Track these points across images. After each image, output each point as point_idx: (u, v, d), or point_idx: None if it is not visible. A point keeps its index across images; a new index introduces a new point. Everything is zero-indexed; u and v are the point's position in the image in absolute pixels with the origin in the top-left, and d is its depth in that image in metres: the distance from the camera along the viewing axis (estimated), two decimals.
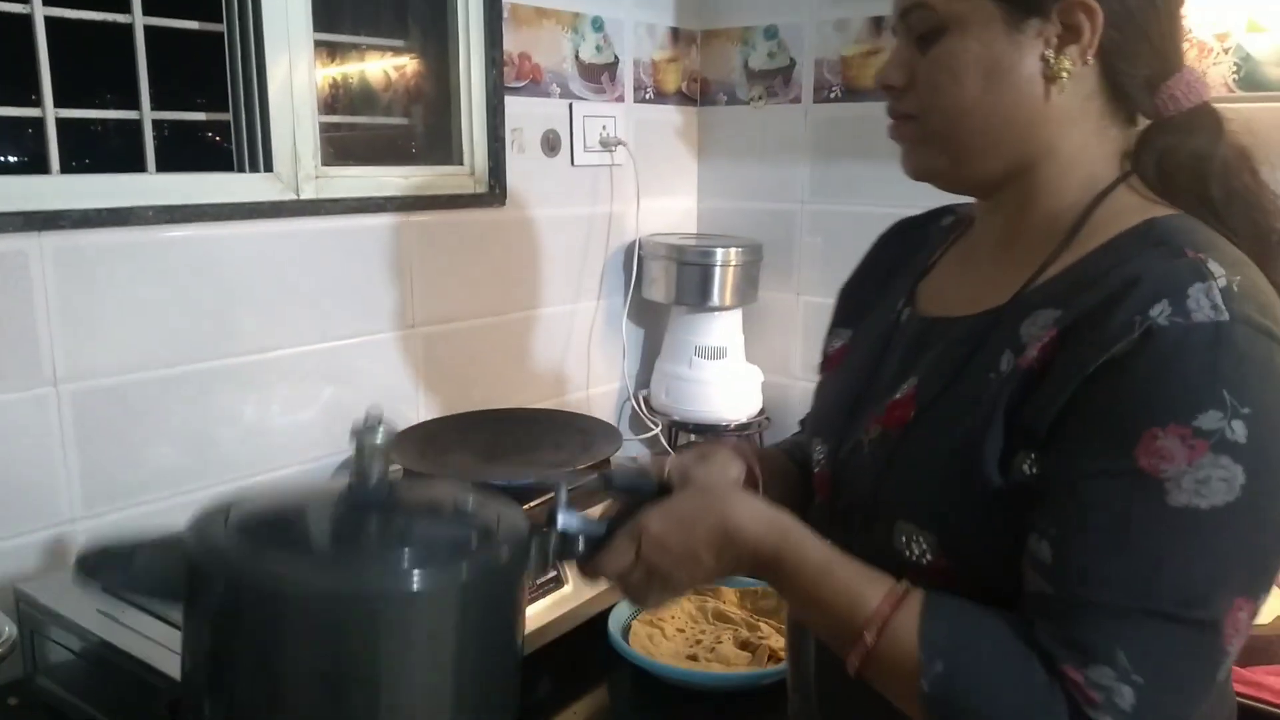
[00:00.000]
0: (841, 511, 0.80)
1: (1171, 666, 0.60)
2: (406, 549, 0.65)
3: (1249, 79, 1.41)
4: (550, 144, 1.72)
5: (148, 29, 1.27)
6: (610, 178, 1.84)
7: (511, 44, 1.62)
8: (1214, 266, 0.63)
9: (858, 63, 1.80)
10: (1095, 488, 0.62)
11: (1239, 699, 1.09)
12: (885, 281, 0.93)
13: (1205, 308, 0.61)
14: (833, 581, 0.69)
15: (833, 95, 1.84)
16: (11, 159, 1.54)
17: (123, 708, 0.91)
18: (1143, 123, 0.74)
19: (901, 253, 0.94)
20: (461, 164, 1.62)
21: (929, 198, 1.84)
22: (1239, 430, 0.59)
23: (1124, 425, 0.61)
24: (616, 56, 1.82)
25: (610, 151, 1.82)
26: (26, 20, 1.17)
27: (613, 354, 1.91)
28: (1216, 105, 0.72)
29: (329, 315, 1.43)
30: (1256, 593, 0.62)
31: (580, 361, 1.85)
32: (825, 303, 1.89)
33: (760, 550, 0.70)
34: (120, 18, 1.25)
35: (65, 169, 1.20)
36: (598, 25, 1.78)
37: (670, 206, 2.00)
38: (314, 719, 0.63)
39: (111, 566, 0.66)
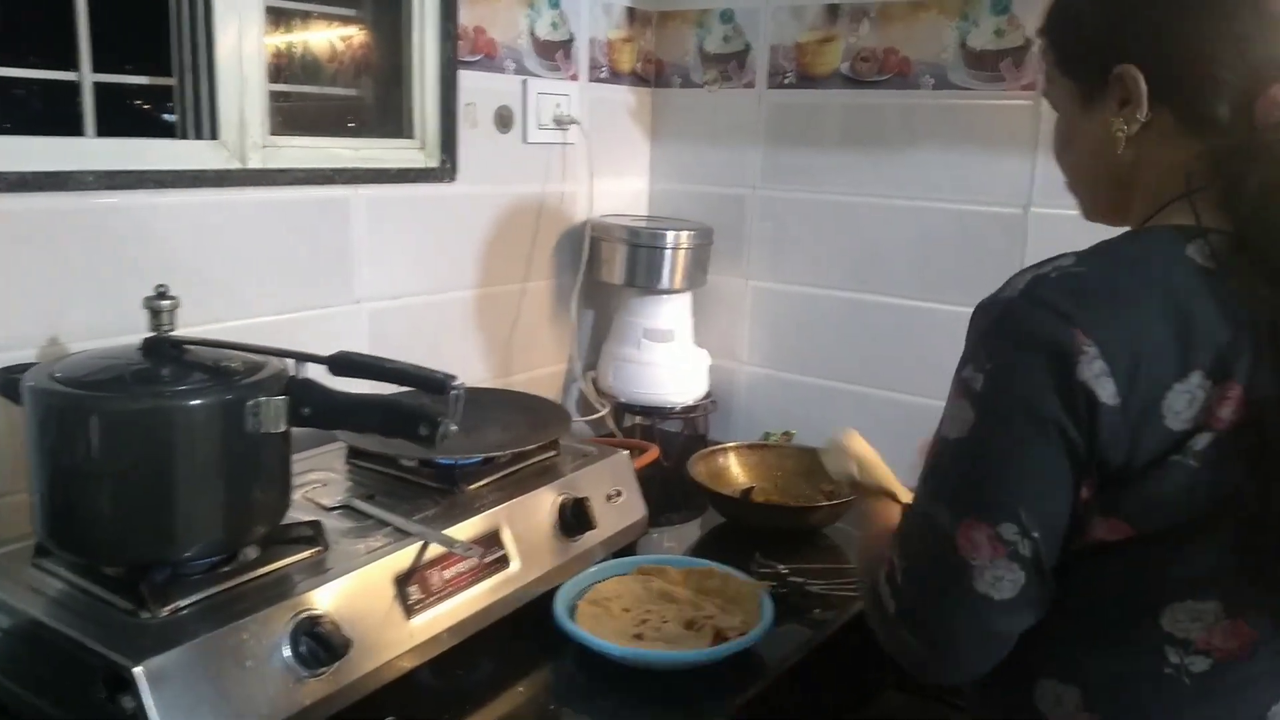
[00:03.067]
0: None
1: (917, 556, 0.77)
2: (182, 385, 0.94)
3: None
4: (503, 120, 1.70)
5: None
6: (563, 156, 1.83)
7: (466, 18, 1.60)
8: (1066, 261, 0.74)
9: (812, 49, 1.81)
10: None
11: None
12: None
13: (1014, 288, 0.74)
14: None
15: (787, 81, 1.84)
16: None
17: (57, 689, 0.89)
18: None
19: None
20: (412, 137, 1.59)
21: (879, 187, 1.86)
22: (980, 382, 0.73)
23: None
24: (572, 34, 1.81)
25: (564, 130, 1.80)
26: None
27: (562, 334, 1.90)
28: None
29: (273, 288, 1.41)
30: (992, 518, 0.72)
31: (529, 341, 1.84)
32: (774, 288, 1.92)
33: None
34: None
35: None
36: (554, 2, 1.76)
37: (622, 187, 1.99)
38: (127, 506, 0.93)
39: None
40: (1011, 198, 1.63)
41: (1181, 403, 0.68)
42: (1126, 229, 0.82)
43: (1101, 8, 0.81)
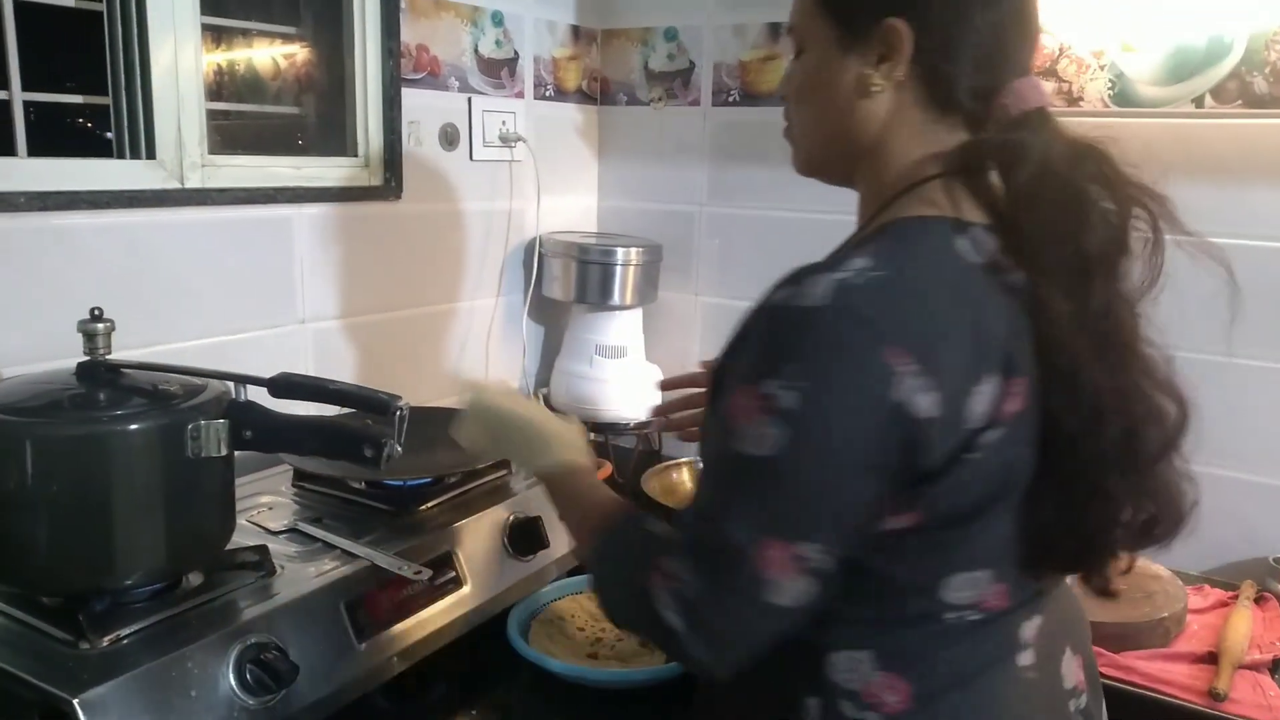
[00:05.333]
0: None
1: (710, 571, 0.71)
2: (118, 410, 0.92)
3: (1122, 96, 1.49)
4: (448, 138, 1.70)
5: (18, 4, 1.19)
6: (510, 174, 1.83)
7: (409, 35, 1.59)
8: (860, 262, 0.69)
9: (755, 68, 1.83)
10: (710, 427, 0.76)
11: (1111, 682, 1.15)
12: None
13: (814, 295, 0.68)
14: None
15: (731, 99, 1.86)
16: None
17: None
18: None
19: None
20: (356, 155, 1.58)
21: (824, 203, 1.88)
22: (789, 400, 0.67)
23: (729, 381, 0.72)
24: (517, 52, 1.81)
25: (510, 147, 1.80)
26: None
27: (512, 352, 1.89)
28: (1054, 112, 0.77)
29: (214, 310, 1.38)
30: (792, 537, 0.69)
31: (479, 359, 1.83)
32: (723, 303, 1.93)
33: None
34: None
35: None
36: (498, 20, 1.76)
37: (570, 204, 1.99)
38: (64, 535, 0.90)
39: None
40: None
41: (979, 403, 0.68)
42: (867, 212, 0.82)
43: None
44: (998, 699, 0.76)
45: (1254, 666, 1.18)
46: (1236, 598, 1.34)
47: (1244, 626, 1.24)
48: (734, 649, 0.73)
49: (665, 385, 1.20)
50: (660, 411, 1.20)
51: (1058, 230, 0.71)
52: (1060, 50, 1.53)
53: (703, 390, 1.13)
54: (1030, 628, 0.78)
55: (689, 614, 0.72)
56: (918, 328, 0.67)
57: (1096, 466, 0.72)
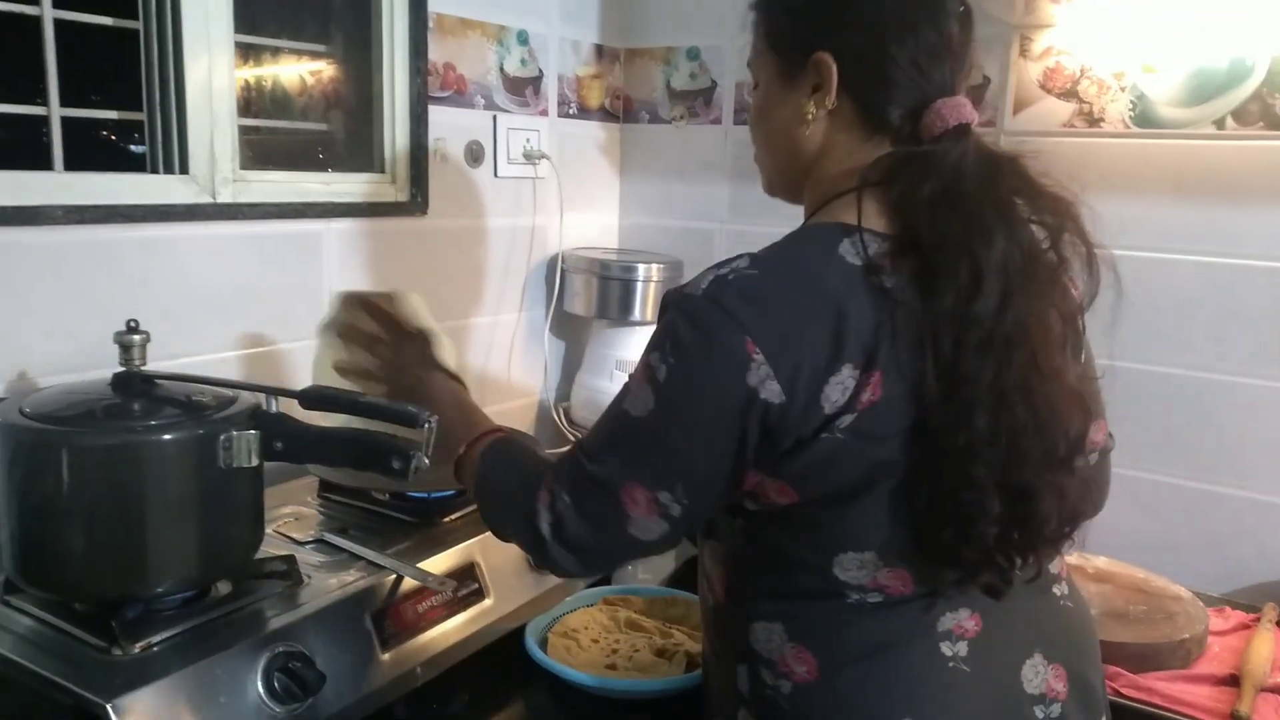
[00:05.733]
0: None
1: (583, 498, 0.83)
2: (152, 420, 0.94)
3: (1143, 117, 1.50)
4: (474, 155, 1.72)
5: (57, 23, 1.22)
6: (533, 191, 1.85)
7: (436, 54, 1.62)
8: (742, 263, 0.80)
9: None
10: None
11: (1131, 702, 1.15)
12: None
13: (698, 285, 0.79)
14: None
15: None
16: None
17: None
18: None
19: None
20: (383, 172, 1.60)
21: None
22: (663, 373, 0.78)
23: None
24: (541, 71, 1.83)
25: (534, 165, 1.82)
26: None
27: (534, 366, 1.91)
28: (975, 128, 0.83)
29: (243, 323, 1.40)
30: (653, 486, 0.80)
31: (501, 373, 1.85)
32: None
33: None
34: (28, 9, 1.20)
35: None
36: (523, 39, 1.78)
37: (592, 221, 2.01)
38: (98, 543, 0.93)
39: None
40: None
41: (836, 392, 0.75)
42: (800, 222, 0.90)
43: None
44: (906, 678, 0.80)
45: (1276, 689, 1.18)
46: (1259, 620, 1.34)
47: (1266, 649, 1.24)
48: (590, 563, 0.89)
49: None
50: None
51: (953, 237, 0.76)
52: (1081, 71, 1.54)
53: None
54: (953, 620, 0.81)
55: (557, 527, 0.84)
56: (773, 324, 0.76)
57: (964, 457, 0.75)
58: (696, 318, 0.78)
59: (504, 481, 0.94)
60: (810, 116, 0.86)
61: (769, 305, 0.77)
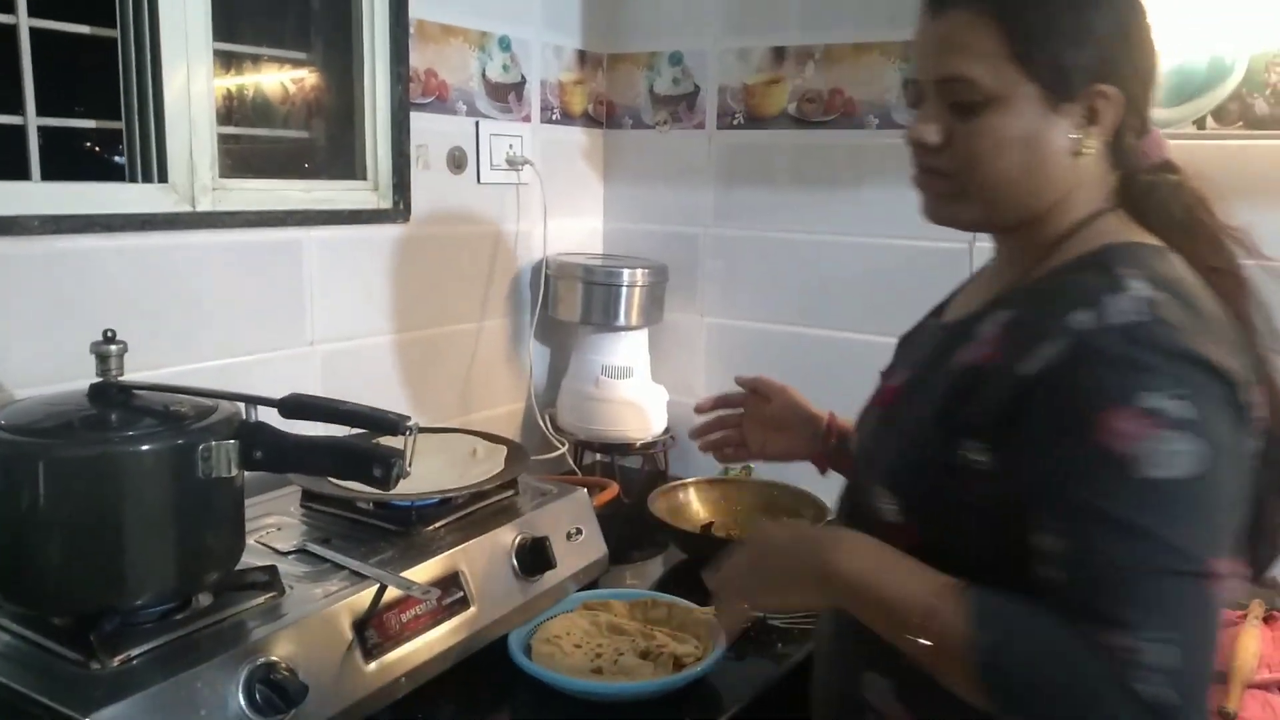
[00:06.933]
0: (853, 478, 1.01)
1: (1195, 620, 0.66)
2: (130, 430, 0.92)
3: None
4: (456, 161, 1.71)
5: (37, 32, 1.21)
6: (517, 196, 1.84)
7: (418, 60, 1.61)
8: (1136, 283, 0.74)
9: (760, 91, 1.84)
10: (1070, 475, 0.70)
11: None
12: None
13: (1123, 312, 0.71)
14: (889, 588, 0.77)
15: (735, 122, 1.88)
16: None
17: None
18: None
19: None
20: (365, 179, 1.59)
21: (827, 224, 1.89)
22: (1184, 409, 0.67)
23: (1075, 415, 0.70)
24: (524, 76, 1.83)
25: (517, 170, 1.82)
26: None
27: (519, 372, 1.90)
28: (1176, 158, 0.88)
29: (224, 331, 1.39)
30: (1226, 550, 0.69)
31: (486, 380, 1.84)
32: (728, 324, 1.94)
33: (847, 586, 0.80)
34: (4, 18, 1.20)
35: None
36: (505, 45, 1.78)
37: (577, 226, 2.01)
38: (75, 555, 0.91)
39: None
40: (957, 233, 1.66)
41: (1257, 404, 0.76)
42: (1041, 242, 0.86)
43: (1115, 25, 0.81)
44: None
45: (1264, 686, 1.18)
46: (1245, 617, 1.34)
47: (1253, 645, 1.24)
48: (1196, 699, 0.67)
49: (701, 407, 1.27)
50: (699, 433, 1.27)
51: (1210, 260, 0.81)
52: None
53: (739, 410, 1.24)
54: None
55: (1178, 680, 0.64)
56: (1214, 334, 0.73)
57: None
58: (1163, 341, 0.70)
59: (1036, 674, 0.68)
60: (1088, 151, 0.81)
61: (1200, 317, 0.74)
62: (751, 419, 1.24)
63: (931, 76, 0.83)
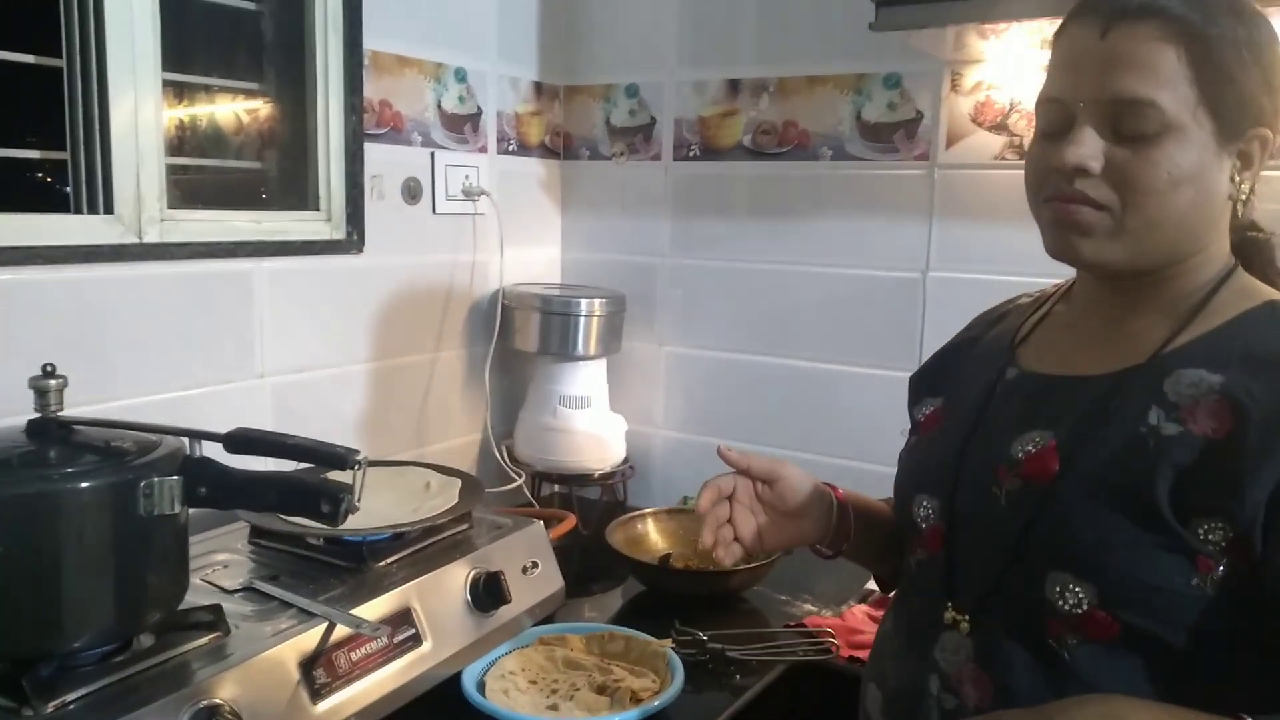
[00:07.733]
0: (966, 563, 0.86)
1: None
2: (69, 467, 0.89)
3: None
4: (411, 192, 1.70)
5: None
6: (474, 227, 1.83)
7: (372, 91, 1.61)
8: None
9: (715, 123, 1.86)
10: None
11: None
12: (972, 353, 0.99)
13: None
14: None
15: (691, 154, 1.89)
16: None
17: None
18: None
19: (984, 332, 1.01)
20: (318, 209, 1.58)
21: (782, 254, 1.90)
22: None
23: None
24: (480, 108, 1.83)
25: (474, 201, 1.81)
26: None
27: (475, 404, 1.89)
28: None
29: (171, 365, 1.37)
30: None
31: (442, 411, 1.82)
32: (687, 353, 1.94)
33: None
34: None
35: None
36: (461, 76, 1.78)
37: (534, 257, 2.00)
38: (10, 597, 0.87)
39: None
40: (910, 263, 1.69)
41: None
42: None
43: (1277, 68, 0.78)
44: None
45: None
46: None
47: None
48: None
49: (727, 457, 1.04)
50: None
51: None
52: (1011, 105, 1.57)
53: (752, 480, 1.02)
54: None
55: None
56: None
57: None
58: None
59: None
60: (1243, 196, 0.80)
61: None
62: (743, 503, 1.01)
63: (1097, 96, 0.76)
